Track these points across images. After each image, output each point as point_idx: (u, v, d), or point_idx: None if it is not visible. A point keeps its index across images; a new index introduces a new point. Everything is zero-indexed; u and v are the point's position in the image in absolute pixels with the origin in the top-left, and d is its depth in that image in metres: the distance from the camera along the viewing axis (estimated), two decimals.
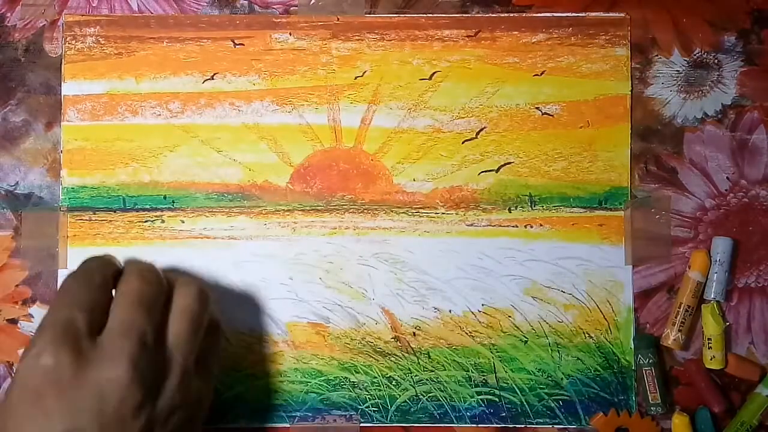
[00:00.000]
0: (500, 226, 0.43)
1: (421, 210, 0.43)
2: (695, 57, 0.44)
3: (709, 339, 0.41)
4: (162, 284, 0.35)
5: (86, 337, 0.32)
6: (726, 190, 0.43)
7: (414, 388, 0.42)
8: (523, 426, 0.42)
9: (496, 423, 0.42)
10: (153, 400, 0.32)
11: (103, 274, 0.34)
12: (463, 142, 0.43)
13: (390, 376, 0.42)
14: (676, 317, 0.41)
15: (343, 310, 0.42)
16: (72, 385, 0.31)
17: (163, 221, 0.43)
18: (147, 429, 0.32)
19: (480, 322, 0.42)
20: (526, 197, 0.43)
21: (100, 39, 0.43)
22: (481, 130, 0.43)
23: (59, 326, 0.32)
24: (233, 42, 0.43)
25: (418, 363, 0.42)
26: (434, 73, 0.43)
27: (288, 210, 0.43)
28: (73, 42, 0.43)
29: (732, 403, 0.42)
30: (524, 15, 0.44)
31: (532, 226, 0.43)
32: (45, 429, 0.30)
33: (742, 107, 0.43)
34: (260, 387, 0.42)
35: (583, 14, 0.43)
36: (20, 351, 0.42)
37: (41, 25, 0.43)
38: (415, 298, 0.42)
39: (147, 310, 0.33)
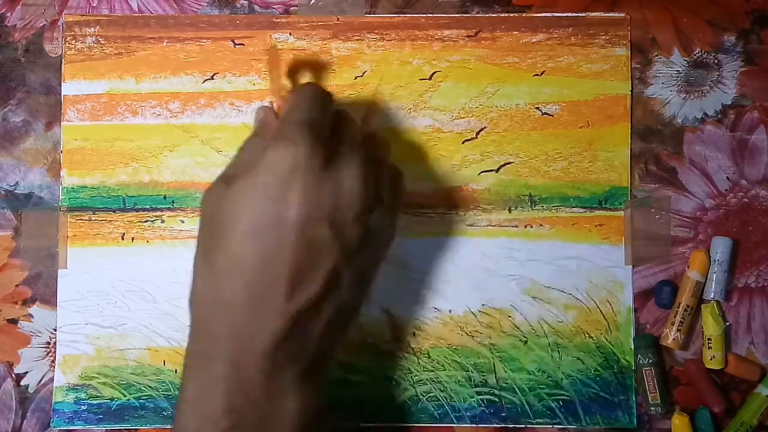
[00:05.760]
0: (500, 226, 0.43)
1: (421, 210, 0.43)
2: (695, 57, 0.44)
3: (709, 339, 0.41)
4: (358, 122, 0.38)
5: (329, 139, 0.34)
6: (726, 190, 0.43)
7: (414, 388, 0.42)
8: (523, 426, 0.42)
9: (496, 423, 0.42)
10: (367, 216, 0.34)
11: (330, 96, 0.37)
12: (463, 142, 0.43)
13: (390, 376, 0.42)
14: (675, 317, 0.41)
15: None
16: (317, 178, 0.32)
17: (163, 221, 0.43)
18: (359, 239, 0.34)
19: (480, 322, 0.42)
20: (526, 197, 0.43)
21: (100, 39, 0.43)
22: (481, 130, 0.43)
23: (306, 124, 0.33)
24: (233, 42, 0.43)
25: (418, 363, 0.42)
26: (434, 73, 0.43)
27: None
28: (73, 42, 0.43)
29: (732, 403, 0.42)
30: (524, 15, 0.44)
31: (532, 226, 0.43)
32: (280, 212, 0.32)
33: (742, 107, 0.43)
34: None
35: (583, 14, 0.43)
36: (20, 351, 0.42)
37: (41, 25, 0.43)
38: (415, 298, 0.42)
39: (368, 131, 0.37)
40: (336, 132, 0.35)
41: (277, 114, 0.39)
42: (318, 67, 0.43)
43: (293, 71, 0.42)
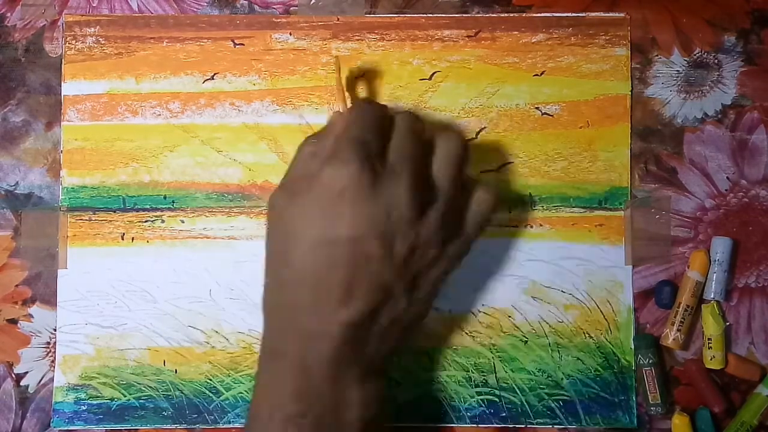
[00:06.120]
0: (500, 226, 0.43)
1: None
2: (695, 57, 0.44)
3: (709, 339, 0.41)
4: (426, 128, 0.38)
5: (378, 157, 0.35)
6: (726, 190, 0.43)
7: (414, 388, 0.42)
8: (523, 426, 0.42)
9: (496, 423, 0.42)
10: (419, 222, 0.35)
11: (385, 109, 0.38)
12: None
13: (390, 376, 0.42)
14: (675, 317, 0.41)
15: None
16: (367, 196, 0.34)
17: (163, 221, 0.43)
18: (411, 247, 0.35)
19: (480, 322, 0.42)
20: (526, 197, 0.43)
21: (101, 39, 0.43)
22: (481, 130, 0.43)
23: (359, 144, 0.35)
24: (233, 42, 0.43)
25: (418, 363, 0.42)
26: (434, 73, 0.43)
27: None
28: (74, 42, 0.43)
29: (732, 403, 0.42)
30: (524, 15, 0.44)
31: (532, 226, 0.43)
32: (333, 230, 0.34)
33: (742, 107, 0.43)
34: None
35: (583, 14, 0.43)
36: (20, 351, 0.42)
37: (41, 25, 0.43)
38: None
39: (420, 145, 0.37)
40: (387, 143, 0.36)
41: None
42: (373, 75, 0.43)
43: (351, 81, 0.43)
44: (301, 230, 0.35)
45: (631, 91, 0.43)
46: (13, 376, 0.42)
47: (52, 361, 0.42)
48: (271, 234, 0.37)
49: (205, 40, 0.43)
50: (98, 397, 0.42)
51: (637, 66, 0.43)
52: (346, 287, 0.34)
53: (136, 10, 0.44)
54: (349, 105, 0.40)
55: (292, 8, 0.44)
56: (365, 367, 0.36)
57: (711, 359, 0.41)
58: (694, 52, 0.44)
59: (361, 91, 0.43)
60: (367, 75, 0.43)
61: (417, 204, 0.35)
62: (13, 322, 0.43)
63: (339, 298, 0.34)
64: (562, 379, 0.42)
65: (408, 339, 0.38)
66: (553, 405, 0.42)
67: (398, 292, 0.35)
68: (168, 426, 0.42)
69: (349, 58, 0.43)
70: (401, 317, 0.36)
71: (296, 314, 0.35)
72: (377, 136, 0.36)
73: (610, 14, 0.44)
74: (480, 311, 0.42)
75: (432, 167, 0.37)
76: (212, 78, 0.43)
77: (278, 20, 0.43)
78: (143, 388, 0.42)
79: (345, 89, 0.41)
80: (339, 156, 0.35)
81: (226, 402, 0.42)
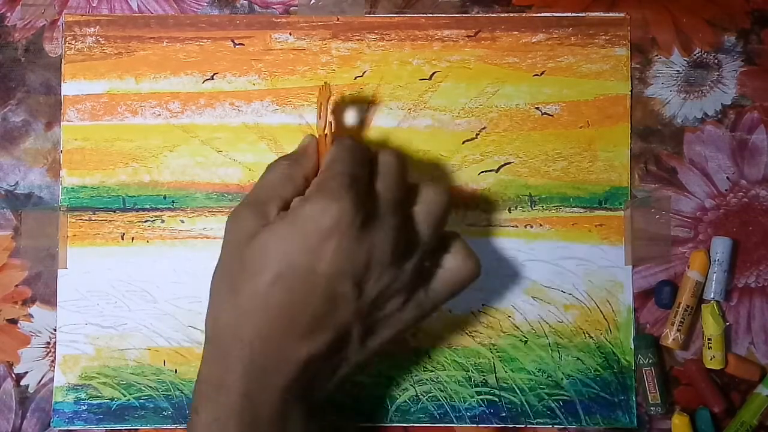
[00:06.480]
0: (500, 226, 0.43)
1: None
2: (695, 57, 0.44)
3: (709, 339, 0.41)
4: (408, 176, 0.38)
5: (366, 196, 0.35)
6: (726, 190, 0.43)
7: (414, 388, 0.42)
8: (523, 426, 0.42)
9: (496, 423, 0.42)
10: (395, 270, 0.35)
11: (368, 149, 0.38)
12: (463, 142, 0.43)
13: (390, 376, 0.42)
14: (675, 317, 0.41)
15: None
16: (354, 235, 0.34)
17: (163, 221, 0.43)
18: (380, 294, 0.35)
19: (480, 322, 0.42)
20: (526, 197, 0.43)
21: (100, 39, 0.43)
22: (481, 130, 0.43)
23: (348, 179, 0.34)
24: (233, 42, 0.43)
25: (418, 363, 0.42)
26: (434, 73, 0.43)
27: None
28: (73, 42, 0.43)
29: (732, 403, 0.42)
30: (524, 15, 0.44)
31: (532, 226, 0.43)
32: (313, 264, 0.33)
33: (742, 107, 0.43)
34: None
35: (583, 14, 0.43)
36: (20, 351, 0.42)
37: (41, 25, 0.43)
38: None
39: (406, 189, 0.36)
40: (374, 186, 0.36)
41: (318, 150, 0.39)
42: (361, 102, 0.43)
43: (338, 109, 0.42)
44: (274, 259, 0.34)
45: (631, 91, 0.43)
46: (13, 376, 0.42)
47: (52, 361, 0.42)
48: (232, 255, 0.36)
49: (205, 40, 0.43)
50: (98, 397, 0.42)
51: (637, 66, 0.43)
52: (311, 322, 0.34)
53: (136, 10, 0.44)
54: (329, 131, 0.38)
55: (292, 8, 0.44)
56: (310, 405, 0.36)
57: (711, 359, 0.41)
58: (694, 52, 0.44)
59: (351, 117, 0.43)
60: (356, 104, 0.43)
61: (399, 252, 0.35)
62: (13, 322, 0.43)
63: (302, 333, 0.34)
64: (562, 379, 0.42)
65: (346, 380, 0.37)
66: (553, 405, 0.42)
67: (356, 336, 0.35)
68: (168, 426, 0.42)
69: (349, 57, 0.43)
70: (351, 360, 0.36)
71: (248, 346, 0.34)
72: (365, 174, 0.36)
73: (610, 14, 0.44)
74: (480, 311, 0.42)
75: (416, 216, 0.36)
76: (212, 78, 0.43)
77: (278, 20, 0.43)
78: (143, 388, 0.42)
79: (328, 115, 0.39)
80: (330, 190, 0.34)
81: None
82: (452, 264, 0.37)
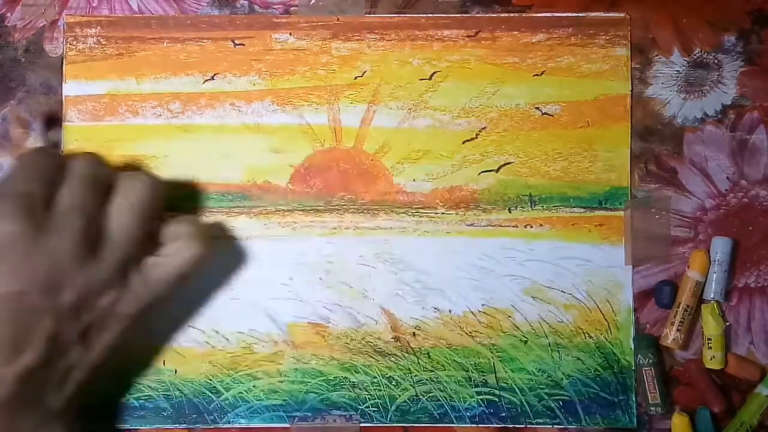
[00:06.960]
0: (500, 226, 0.43)
1: (421, 210, 0.43)
2: (695, 57, 0.44)
3: (709, 339, 0.41)
4: (108, 173, 0.38)
5: (41, 210, 0.35)
6: (726, 190, 0.43)
7: (414, 388, 0.42)
8: (523, 426, 0.42)
9: (496, 423, 0.42)
10: (88, 271, 0.35)
11: (57, 157, 0.38)
12: (463, 142, 0.43)
13: (390, 376, 0.42)
14: (675, 317, 0.41)
15: (343, 310, 0.42)
16: (26, 251, 0.34)
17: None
18: (80, 296, 0.35)
19: (480, 322, 0.42)
20: (526, 197, 0.43)
21: (101, 39, 0.43)
22: (481, 130, 0.43)
23: (19, 197, 0.35)
24: (233, 42, 0.43)
25: (418, 363, 0.42)
26: (434, 73, 0.43)
27: (288, 210, 0.43)
28: (74, 43, 0.43)
29: (732, 403, 0.42)
30: (524, 15, 0.44)
31: (532, 226, 0.43)
32: None
33: (742, 107, 0.43)
34: (260, 387, 0.42)
35: (583, 14, 0.43)
36: None
37: (41, 25, 0.44)
38: (415, 298, 0.42)
39: (94, 192, 0.36)
40: (56, 190, 0.36)
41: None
42: (52, 119, 0.43)
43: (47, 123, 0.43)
44: None
45: (631, 91, 0.43)
46: None
47: None
48: None
49: (206, 41, 0.43)
50: None
51: (637, 66, 0.43)
52: (12, 342, 0.34)
53: (136, 10, 0.44)
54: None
55: (292, 8, 0.44)
56: (44, 413, 0.35)
57: (711, 359, 0.41)
58: (694, 52, 0.44)
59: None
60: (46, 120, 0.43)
61: (83, 254, 0.35)
62: None
63: (7, 353, 0.34)
64: (561, 379, 0.42)
65: (98, 381, 0.37)
66: (552, 405, 0.42)
67: (70, 341, 0.35)
68: (168, 426, 0.42)
69: (349, 57, 0.43)
70: (82, 364, 0.36)
71: None
72: (43, 186, 0.35)
73: (610, 14, 0.44)
74: (480, 311, 0.43)
75: (115, 210, 0.36)
76: (212, 78, 0.43)
77: (278, 20, 0.43)
78: (143, 388, 0.42)
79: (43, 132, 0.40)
80: None
81: (226, 402, 0.42)
82: (169, 249, 0.38)
